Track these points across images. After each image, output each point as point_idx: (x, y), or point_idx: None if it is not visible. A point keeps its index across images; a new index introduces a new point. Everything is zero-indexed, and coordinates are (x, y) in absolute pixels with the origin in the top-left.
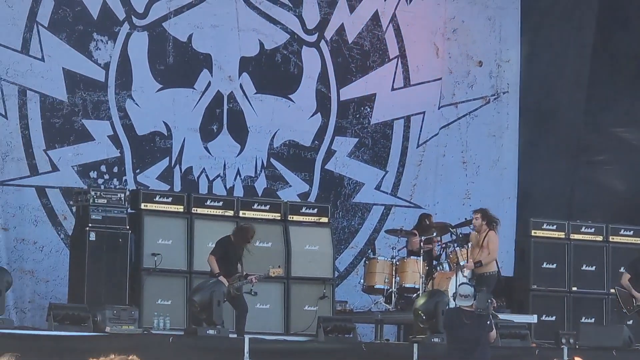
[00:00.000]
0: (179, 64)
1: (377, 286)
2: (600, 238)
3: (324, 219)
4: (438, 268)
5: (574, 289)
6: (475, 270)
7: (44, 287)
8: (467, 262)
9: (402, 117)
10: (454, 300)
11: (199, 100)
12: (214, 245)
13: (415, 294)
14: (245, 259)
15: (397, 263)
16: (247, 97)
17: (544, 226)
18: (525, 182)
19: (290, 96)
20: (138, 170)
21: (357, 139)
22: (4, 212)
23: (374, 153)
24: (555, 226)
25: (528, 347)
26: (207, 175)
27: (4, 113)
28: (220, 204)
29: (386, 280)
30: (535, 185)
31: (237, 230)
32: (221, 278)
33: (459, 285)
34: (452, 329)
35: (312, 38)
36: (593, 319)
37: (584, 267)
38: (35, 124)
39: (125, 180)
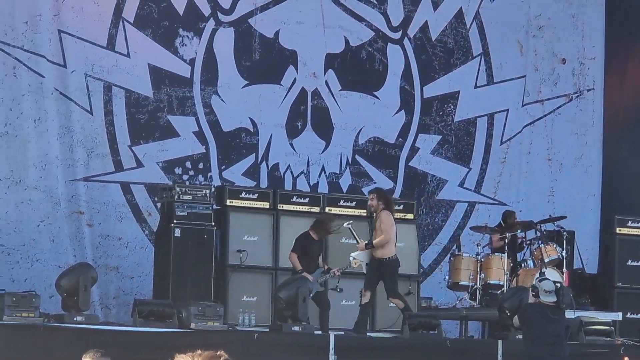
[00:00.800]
0: (265, 60)
1: (462, 283)
2: None
3: (410, 216)
4: (522, 265)
5: None
6: (373, 255)
7: (128, 283)
8: (359, 244)
9: (486, 114)
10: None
11: (285, 96)
12: (293, 243)
13: (499, 291)
14: (331, 254)
15: (482, 260)
16: (332, 94)
17: (629, 223)
18: (609, 180)
19: (375, 93)
20: (223, 167)
21: (440, 137)
22: (88, 208)
23: (457, 150)
24: None
25: (613, 344)
26: (291, 172)
27: (89, 109)
28: (306, 200)
29: (471, 277)
30: (619, 183)
31: (316, 224)
32: (305, 274)
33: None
34: (535, 324)
35: (397, 35)
36: None
37: None
38: (121, 120)
39: (211, 176)
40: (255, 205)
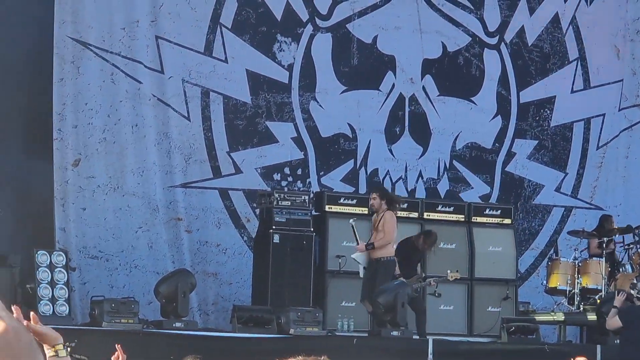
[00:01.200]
0: (363, 66)
1: (559, 287)
2: None
3: (507, 220)
4: (620, 269)
5: None
6: (371, 255)
7: (227, 289)
8: (359, 245)
9: (582, 119)
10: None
11: (384, 102)
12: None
13: (597, 295)
14: (429, 259)
15: (580, 264)
16: (430, 99)
17: None
18: None
19: (472, 98)
20: (322, 173)
21: (536, 141)
22: (187, 215)
23: (554, 155)
24: None
25: None
26: (390, 178)
27: (186, 115)
28: (405, 205)
29: (569, 282)
30: None
31: (422, 235)
32: (401, 279)
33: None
34: (635, 326)
35: (493, 40)
36: None
37: None
38: (219, 126)
39: (309, 182)
40: (354, 211)
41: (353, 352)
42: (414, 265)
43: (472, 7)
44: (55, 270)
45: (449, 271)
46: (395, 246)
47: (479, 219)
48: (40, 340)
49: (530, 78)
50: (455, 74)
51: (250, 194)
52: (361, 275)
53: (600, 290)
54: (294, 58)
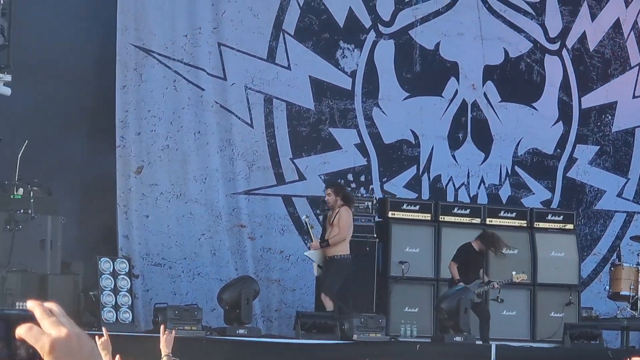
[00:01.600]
0: (425, 72)
1: (622, 293)
2: None
3: (570, 226)
4: None
5: None
6: (325, 253)
7: (290, 295)
8: (313, 242)
9: None
10: None
11: (447, 108)
12: (455, 252)
13: None
14: (491, 266)
15: None
16: (491, 106)
17: None
18: None
19: (533, 104)
20: (385, 179)
21: (598, 147)
22: (250, 222)
23: (615, 161)
24: None
25: None
26: (453, 184)
27: (249, 122)
28: (467, 211)
29: (632, 287)
30: None
31: (481, 237)
32: (461, 284)
33: None
34: None
35: (555, 46)
36: None
37: None
38: (282, 133)
39: (372, 188)
40: (416, 217)
41: (416, 358)
42: (474, 270)
43: (533, 14)
44: (119, 277)
45: (514, 272)
46: (346, 244)
47: (541, 225)
48: None
49: (592, 84)
50: (516, 80)
51: (314, 201)
52: (315, 273)
53: None
54: (357, 64)
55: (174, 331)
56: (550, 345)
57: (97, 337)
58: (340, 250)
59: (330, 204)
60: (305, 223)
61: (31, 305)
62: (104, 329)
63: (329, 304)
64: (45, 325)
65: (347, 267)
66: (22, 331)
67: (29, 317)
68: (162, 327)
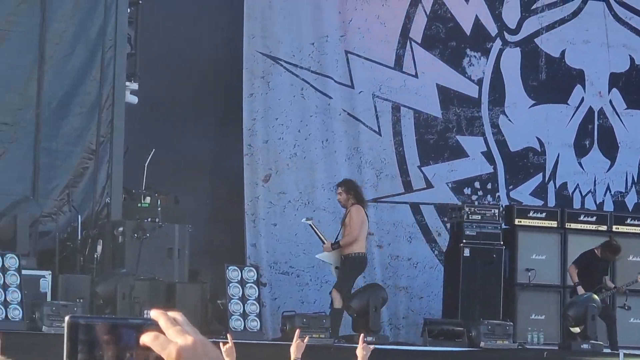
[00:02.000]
0: (551, 80)
1: None
2: None
3: None
4: None
5: None
6: (341, 252)
7: (417, 303)
8: (324, 244)
9: None
10: None
11: (573, 115)
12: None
13: None
14: (618, 273)
15: None
16: (617, 113)
17: None
18: None
19: None
20: (511, 186)
21: None
22: (378, 229)
23: None
24: None
25: None
26: (580, 191)
27: (377, 129)
28: (594, 219)
29: None
30: None
31: (604, 245)
32: (579, 288)
33: None
34: None
35: None
36: None
37: None
38: (409, 141)
39: (499, 196)
40: (543, 224)
41: None
42: (596, 275)
43: None
44: (247, 285)
45: (638, 274)
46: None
47: None
48: None
49: None
50: None
51: (441, 208)
52: (334, 274)
53: None
54: (484, 72)
55: (307, 338)
56: None
57: (221, 344)
58: (355, 248)
59: (342, 202)
60: (311, 226)
61: (155, 314)
62: (228, 335)
63: (337, 301)
64: (170, 333)
65: (361, 265)
66: (148, 339)
67: (154, 326)
68: (297, 331)
